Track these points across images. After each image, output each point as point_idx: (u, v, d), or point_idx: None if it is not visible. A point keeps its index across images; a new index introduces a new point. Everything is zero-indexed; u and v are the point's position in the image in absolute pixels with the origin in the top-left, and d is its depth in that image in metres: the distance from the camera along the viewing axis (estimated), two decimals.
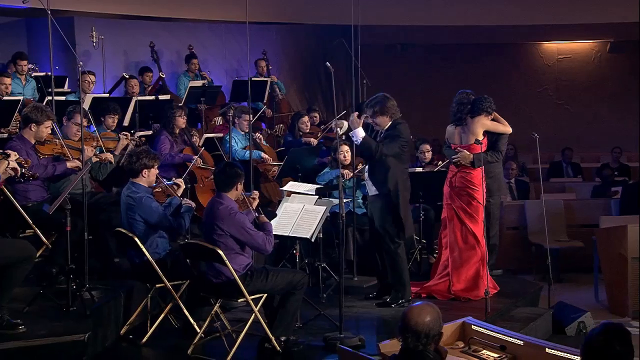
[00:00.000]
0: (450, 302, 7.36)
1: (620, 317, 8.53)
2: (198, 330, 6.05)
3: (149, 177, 6.32)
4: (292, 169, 8.58)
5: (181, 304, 6.28)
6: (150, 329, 6.27)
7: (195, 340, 6.00)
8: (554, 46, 17.38)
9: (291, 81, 14.28)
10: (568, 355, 4.39)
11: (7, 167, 5.39)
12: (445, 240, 7.66)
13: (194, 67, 12.21)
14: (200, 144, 9.18)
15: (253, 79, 12.23)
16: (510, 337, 4.81)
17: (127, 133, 7.77)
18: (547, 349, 4.55)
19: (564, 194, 11.57)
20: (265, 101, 12.03)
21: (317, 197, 6.81)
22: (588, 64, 17.33)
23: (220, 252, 5.69)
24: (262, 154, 9.15)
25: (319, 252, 7.59)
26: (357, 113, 7.02)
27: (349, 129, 6.90)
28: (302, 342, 6.20)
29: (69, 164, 6.61)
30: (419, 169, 8.78)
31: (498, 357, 4.80)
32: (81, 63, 6.62)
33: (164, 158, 8.08)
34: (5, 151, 5.50)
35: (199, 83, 11.31)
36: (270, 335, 5.95)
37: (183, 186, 6.74)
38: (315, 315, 6.76)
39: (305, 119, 9.98)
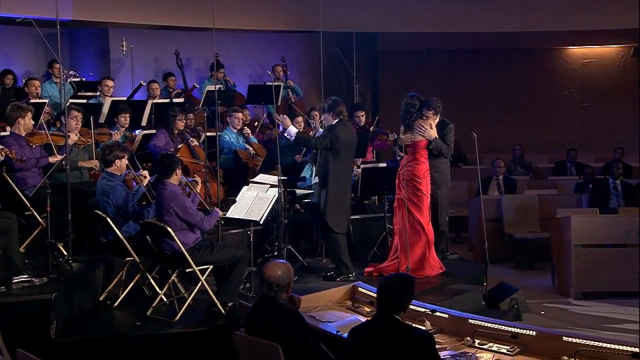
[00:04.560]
0: None
1: (565, 298, 9.39)
2: (159, 293, 7.20)
3: (120, 166, 7.53)
4: (272, 164, 9.64)
5: (148, 275, 7.48)
6: (121, 295, 7.44)
7: (155, 304, 7.18)
8: (579, 51, 17.94)
9: (312, 86, 15.28)
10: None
11: None
12: (396, 226, 8.61)
13: (220, 75, 13.33)
14: (200, 142, 10.36)
15: (267, 83, 13.42)
16: None
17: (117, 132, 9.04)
18: None
19: (548, 190, 12.34)
20: (278, 104, 13.06)
21: (269, 186, 7.90)
22: (613, 67, 17.84)
23: (169, 229, 6.84)
24: (247, 146, 10.25)
25: (286, 237, 8.61)
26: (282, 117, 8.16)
27: (284, 130, 8.01)
28: None
29: (50, 159, 7.82)
30: (383, 164, 9.73)
31: (370, 310, 5.83)
32: (69, 72, 7.81)
33: (154, 150, 9.37)
34: None
35: (214, 87, 12.45)
36: (216, 301, 7.05)
37: (200, 183, 7.93)
38: None
39: (299, 119, 11.02)
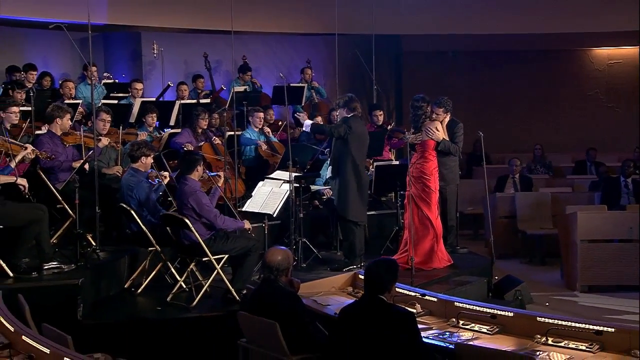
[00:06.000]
0: (408, 271, 8.72)
1: (571, 291, 9.76)
2: (179, 280, 7.74)
3: (145, 163, 8.07)
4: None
5: (169, 264, 8.01)
6: (144, 283, 7.99)
7: (174, 290, 7.72)
8: (604, 52, 18.10)
9: (338, 87, 15.71)
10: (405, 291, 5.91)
11: (25, 155, 7.31)
12: (406, 221, 9.04)
13: (247, 77, 13.84)
14: (224, 141, 10.87)
15: (291, 85, 13.91)
16: None
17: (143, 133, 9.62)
18: (396, 289, 6.02)
19: (563, 188, 12.70)
20: (302, 104, 13.55)
21: (282, 181, 8.40)
22: (638, 68, 17.95)
23: (187, 220, 7.35)
24: (259, 141, 10.77)
25: (300, 230, 9.08)
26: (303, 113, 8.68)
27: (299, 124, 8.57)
28: None
29: (73, 164, 8.30)
30: (395, 162, 10.18)
31: None
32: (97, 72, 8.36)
33: (174, 146, 9.89)
34: (24, 145, 7.40)
35: (241, 88, 12.98)
36: (231, 288, 7.55)
37: (222, 177, 8.48)
38: None
39: (318, 118, 11.50)
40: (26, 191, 7.41)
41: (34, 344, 4.61)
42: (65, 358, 4.31)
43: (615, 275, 9.61)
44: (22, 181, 7.33)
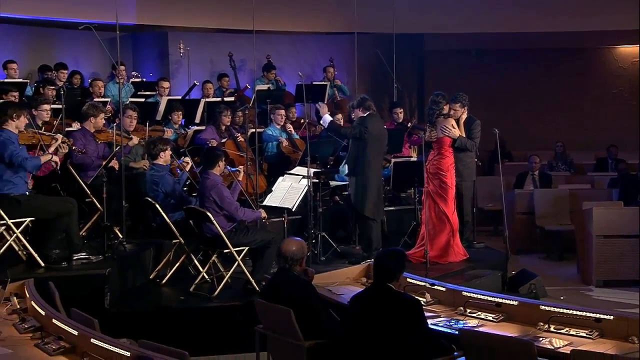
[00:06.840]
0: (423, 265, 8.96)
1: (587, 285, 9.94)
2: (202, 271, 8.05)
3: (165, 157, 8.40)
4: (311, 157, 10.38)
5: (192, 256, 8.32)
6: (168, 274, 8.30)
7: (197, 281, 8.04)
8: (628, 49, 18.14)
9: (360, 85, 15.93)
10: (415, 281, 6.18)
11: (58, 145, 7.66)
12: (423, 217, 9.27)
13: (271, 76, 14.14)
14: (247, 138, 11.15)
15: (314, 83, 14.18)
16: None
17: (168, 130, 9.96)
18: (407, 279, 6.29)
19: (582, 185, 12.87)
20: (325, 102, 13.80)
21: (301, 177, 8.69)
22: None
23: (209, 214, 7.66)
24: (280, 138, 11.06)
25: (319, 224, 9.35)
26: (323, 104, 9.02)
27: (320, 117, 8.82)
28: None
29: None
30: (413, 158, 10.41)
31: None
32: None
33: (199, 141, 10.20)
34: (55, 135, 7.74)
35: (264, 86, 13.28)
36: (251, 279, 7.85)
37: (243, 172, 8.80)
38: None
39: (339, 116, 11.76)
40: (57, 167, 7.81)
41: (64, 326, 4.93)
42: (92, 339, 4.61)
43: (630, 270, 9.72)
44: (56, 158, 7.69)
